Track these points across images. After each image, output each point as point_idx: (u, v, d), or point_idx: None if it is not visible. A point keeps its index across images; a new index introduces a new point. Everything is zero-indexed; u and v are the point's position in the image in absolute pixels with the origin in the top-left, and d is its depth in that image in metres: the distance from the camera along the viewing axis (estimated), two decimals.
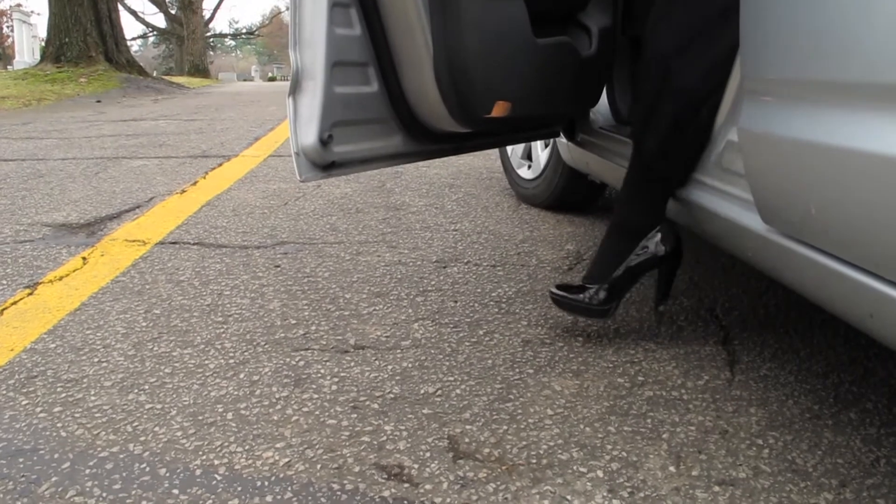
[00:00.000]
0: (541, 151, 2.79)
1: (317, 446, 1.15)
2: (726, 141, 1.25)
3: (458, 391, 1.34)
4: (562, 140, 2.36)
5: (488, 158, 3.92)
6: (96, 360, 1.44)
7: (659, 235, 1.47)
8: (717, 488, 1.07)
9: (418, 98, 1.55)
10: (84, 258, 2.10)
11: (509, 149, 3.08)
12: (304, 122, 1.40)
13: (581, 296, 1.53)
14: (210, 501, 1.02)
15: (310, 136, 1.41)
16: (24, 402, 1.28)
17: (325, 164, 1.45)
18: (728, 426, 1.23)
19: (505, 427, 1.23)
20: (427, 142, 1.65)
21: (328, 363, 1.44)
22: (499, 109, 1.51)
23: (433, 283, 1.91)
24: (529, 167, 2.94)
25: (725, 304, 1.78)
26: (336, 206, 2.75)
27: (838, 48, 0.89)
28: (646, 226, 1.48)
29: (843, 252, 0.93)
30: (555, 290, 1.57)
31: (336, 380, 1.37)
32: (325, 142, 1.42)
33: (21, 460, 1.11)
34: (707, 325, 1.65)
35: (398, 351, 1.49)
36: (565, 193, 2.65)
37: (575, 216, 2.69)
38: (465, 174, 3.41)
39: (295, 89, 1.40)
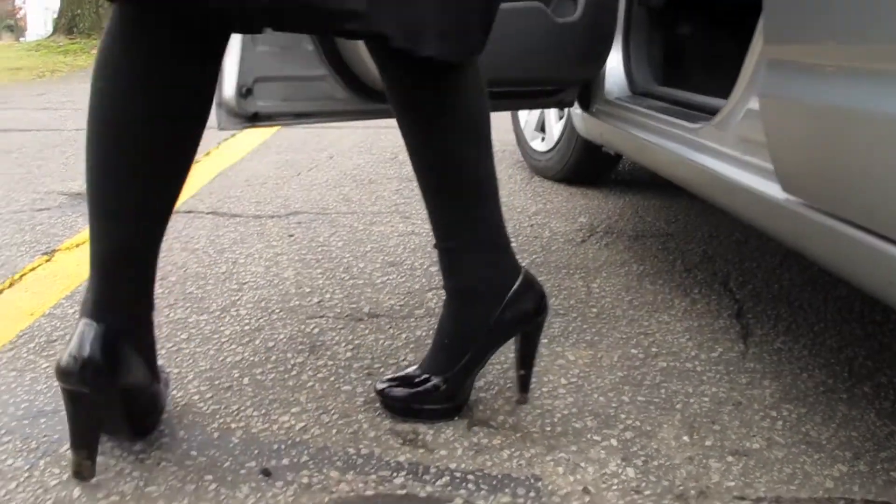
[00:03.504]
0: (554, 123, 2.78)
1: (332, 411, 1.16)
2: (746, 109, 1.24)
3: None
4: (576, 111, 2.35)
5: (501, 131, 3.90)
6: None
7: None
8: (730, 458, 1.07)
9: (353, 55, 1.55)
10: None
11: (522, 121, 3.07)
12: (226, 76, 1.50)
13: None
14: (227, 463, 1.03)
15: (229, 89, 1.51)
16: (44, 366, 1.29)
17: (247, 115, 1.54)
18: (741, 398, 1.23)
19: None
20: (372, 100, 1.64)
21: (342, 331, 1.44)
22: None
23: None
24: (543, 139, 2.93)
25: (739, 277, 1.77)
26: (349, 176, 2.75)
27: (863, 12, 0.88)
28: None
29: (867, 220, 0.92)
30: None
31: (350, 347, 1.38)
32: (243, 95, 1.51)
33: (43, 421, 1.12)
34: (721, 299, 1.65)
35: (412, 319, 1.50)
36: (579, 166, 2.64)
37: (588, 189, 2.68)
38: None
39: None
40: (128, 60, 0.90)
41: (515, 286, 1.15)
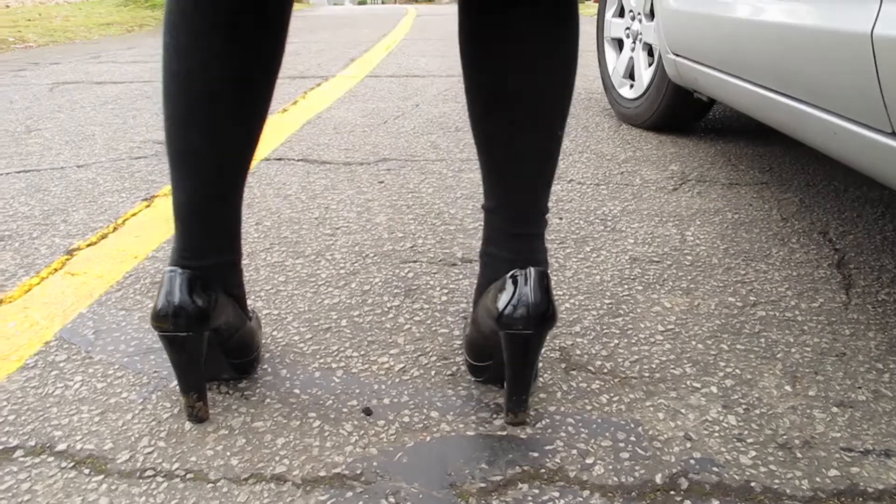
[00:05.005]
0: (644, 70, 2.72)
1: (430, 354, 1.18)
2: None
3: (567, 305, 1.34)
4: (668, 56, 2.29)
5: (586, 79, 3.84)
6: None
7: None
8: (835, 409, 1.04)
9: None
10: None
11: (610, 68, 3.01)
12: None
13: None
14: (330, 401, 1.05)
15: None
16: (150, 305, 1.33)
17: None
18: (845, 349, 1.20)
19: (616, 341, 1.22)
20: None
21: (436, 275, 1.45)
22: None
23: None
24: (631, 86, 2.87)
25: (839, 227, 1.72)
26: (435, 124, 2.75)
27: None
28: None
29: None
30: None
31: (445, 291, 1.38)
32: None
33: (152, 357, 1.16)
34: (820, 248, 1.60)
35: None
36: (669, 112, 2.58)
37: (678, 136, 2.62)
38: None
39: None
40: (190, 16, 0.90)
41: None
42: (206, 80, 0.91)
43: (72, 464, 0.93)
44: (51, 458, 0.94)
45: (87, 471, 0.92)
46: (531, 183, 0.99)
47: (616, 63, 2.99)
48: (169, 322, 0.93)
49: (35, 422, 1.01)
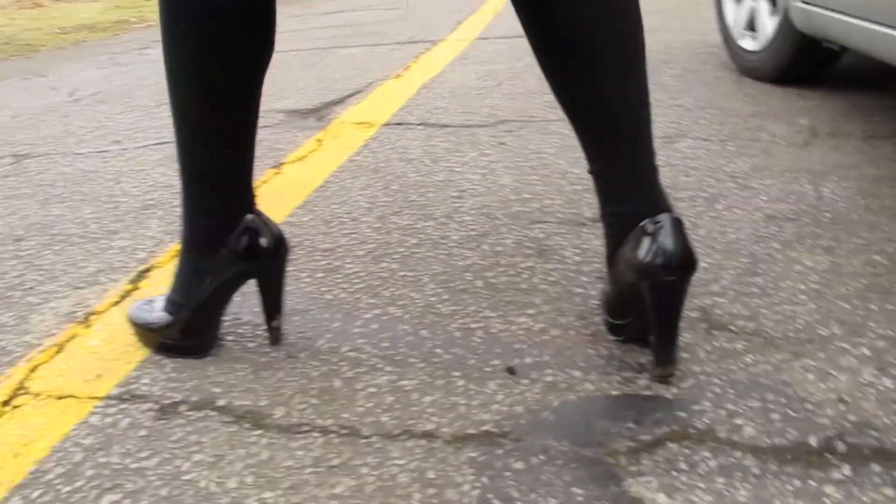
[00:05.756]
0: (767, 19, 2.60)
1: (568, 314, 1.18)
2: None
3: (703, 264, 1.31)
4: (796, 3, 2.19)
5: (701, 33, 3.71)
6: (346, 231, 1.52)
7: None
8: None
9: None
10: (318, 140, 2.21)
11: (730, 19, 2.90)
12: None
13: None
14: (473, 361, 1.06)
15: None
16: (290, 269, 1.37)
17: None
18: None
19: (757, 301, 1.19)
20: None
21: (567, 235, 1.44)
22: None
23: (662, 157, 1.83)
24: (753, 38, 2.76)
25: None
26: None
27: None
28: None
29: None
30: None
31: (577, 251, 1.38)
32: None
33: (296, 319, 1.20)
34: None
35: None
36: (794, 64, 2.47)
37: (804, 89, 2.51)
38: (678, 49, 3.25)
39: None
40: None
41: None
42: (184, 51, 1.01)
43: (232, 418, 0.97)
44: (213, 413, 0.99)
45: (246, 425, 0.96)
46: (631, 134, 0.98)
47: (736, 14, 2.87)
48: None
49: (195, 379, 1.06)
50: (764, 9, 2.62)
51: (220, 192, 1.06)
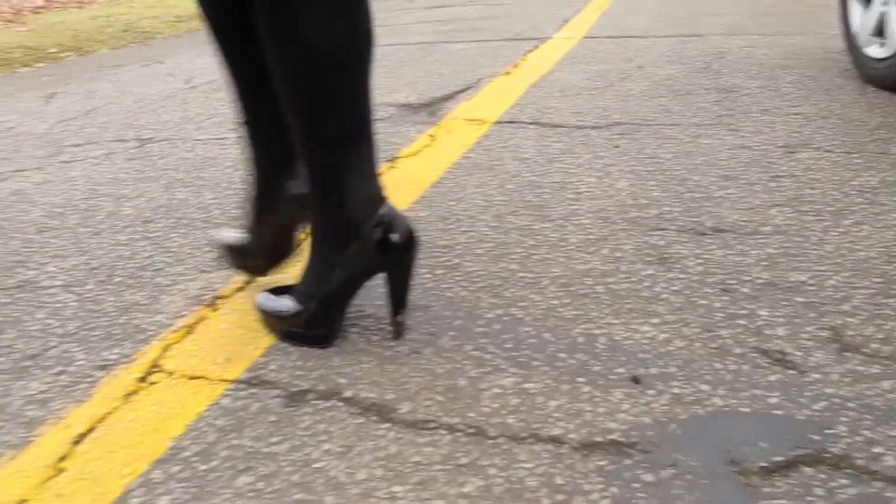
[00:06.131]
0: None
1: (692, 325, 1.15)
2: None
3: (832, 282, 1.27)
4: None
5: (821, 38, 3.59)
6: (463, 229, 1.53)
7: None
8: None
9: None
10: (431, 135, 2.22)
11: (855, 24, 2.80)
12: None
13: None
14: (597, 367, 1.06)
15: None
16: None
17: None
18: None
19: (892, 324, 1.15)
20: None
21: (688, 244, 1.42)
22: None
23: (784, 168, 1.80)
24: (882, 45, 2.65)
25: None
26: (663, 87, 2.67)
27: None
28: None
29: None
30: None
31: (700, 261, 1.35)
32: None
33: (419, 314, 1.22)
34: None
35: (759, 236, 1.44)
36: None
37: None
38: (796, 54, 3.15)
39: None
40: None
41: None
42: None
43: (359, 410, 0.99)
44: (340, 404, 1.01)
45: (373, 418, 0.97)
46: None
47: (863, 19, 2.77)
48: None
49: (321, 368, 1.09)
50: (895, 14, 2.52)
51: (351, 185, 1.07)
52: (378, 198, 1.09)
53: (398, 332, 1.15)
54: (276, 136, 1.18)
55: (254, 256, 1.30)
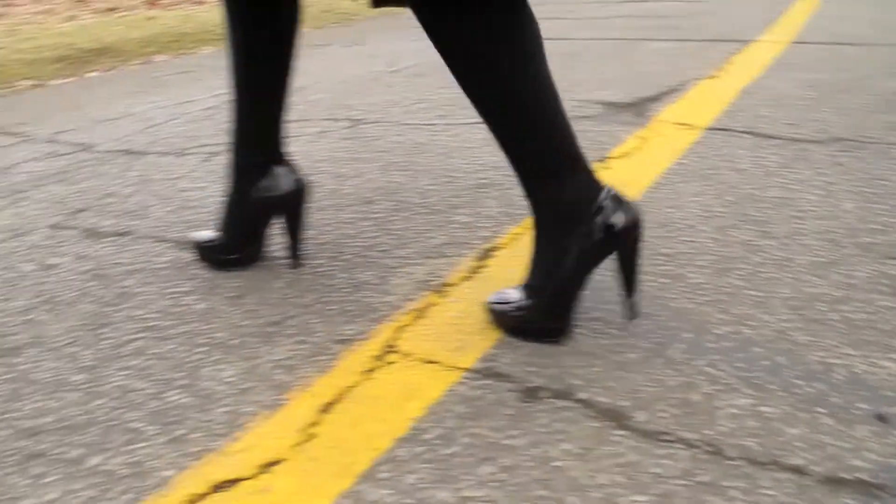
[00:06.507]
0: None
1: None
2: None
3: None
4: None
5: None
6: (684, 238, 1.52)
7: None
8: None
9: None
10: (642, 138, 2.20)
11: None
12: None
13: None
14: (836, 399, 1.03)
15: None
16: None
17: None
18: None
19: None
20: None
21: None
22: None
23: None
24: None
25: None
26: (888, 102, 2.51)
27: None
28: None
29: None
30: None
31: None
32: None
33: (646, 322, 1.22)
34: None
35: None
36: None
37: None
38: None
39: None
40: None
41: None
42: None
43: (595, 413, 1.01)
44: (575, 405, 1.03)
45: (610, 423, 0.99)
46: None
47: None
48: None
49: (553, 367, 1.11)
50: None
51: (565, 169, 1.10)
52: (593, 179, 1.11)
53: (631, 314, 1.16)
54: (263, 136, 1.40)
55: (226, 251, 1.47)
